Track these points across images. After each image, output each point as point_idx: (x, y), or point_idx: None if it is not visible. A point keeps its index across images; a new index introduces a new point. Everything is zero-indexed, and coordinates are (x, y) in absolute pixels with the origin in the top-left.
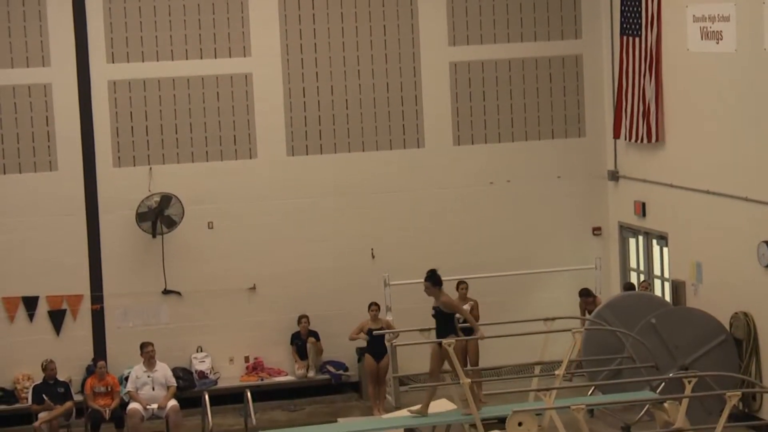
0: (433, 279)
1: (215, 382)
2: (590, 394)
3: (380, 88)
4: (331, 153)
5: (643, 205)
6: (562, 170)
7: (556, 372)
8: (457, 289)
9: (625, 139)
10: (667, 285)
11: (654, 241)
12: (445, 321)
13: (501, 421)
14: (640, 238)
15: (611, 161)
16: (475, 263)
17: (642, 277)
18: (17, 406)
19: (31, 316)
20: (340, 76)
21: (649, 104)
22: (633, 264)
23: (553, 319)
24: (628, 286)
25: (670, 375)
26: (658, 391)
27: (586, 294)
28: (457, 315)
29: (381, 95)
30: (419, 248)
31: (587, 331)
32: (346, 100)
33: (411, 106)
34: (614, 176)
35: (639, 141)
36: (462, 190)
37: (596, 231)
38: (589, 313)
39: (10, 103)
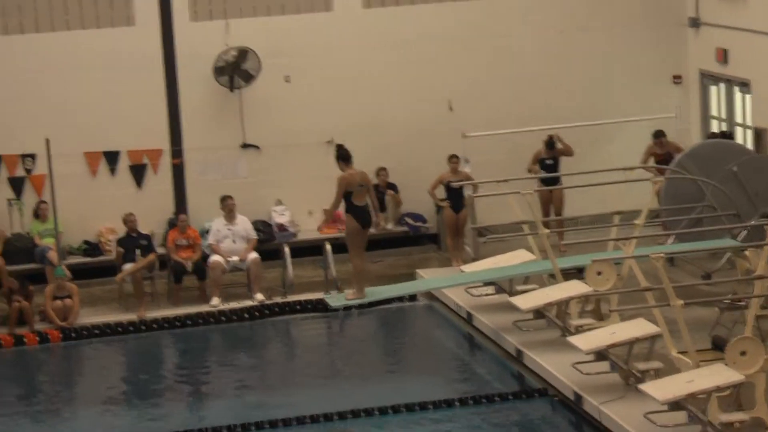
0: (337, 154)
1: (295, 234)
2: (670, 244)
3: None
4: (408, 4)
5: (725, 51)
6: (641, 17)
7: (636, 221)
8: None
9: None
10: (749, 133)
11: (736, 89)
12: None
13: (580, 270)
14: (722, 85)
15: (692, 7)
16: (552, 113)
17: (723, 126)
18: (101, 258)
19: (112, 171)
20: None
21: None
22: (714, 112)
23: (632, 168)
24: (711, 136)
25: (752, 222)
26: (739, 239)
27: (658, 135)
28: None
29: None
30: (496, 99)
31: (667, 181)
32: None
33: None
34: (695, 23)
35: None
36: (538, 38)
37: (676, 79)
38: (658, 156)
39: None
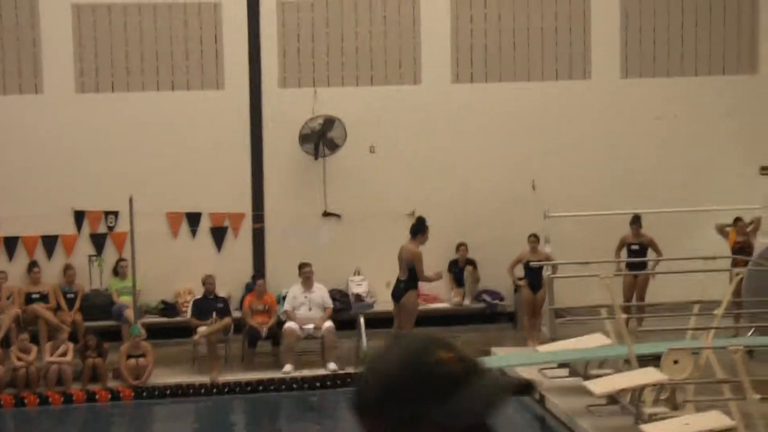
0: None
1: (371, 305)
2: (750, 336)
3: (548, 17)
4: (496, 81)
5: None
6: (730, 107)
7: (715, 311)
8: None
9: None
10: None
11: None
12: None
13: (656, 358)
14: None
15: None
16: (637, 198)
17: None
18: (178, 319)
19: (193, 232)
20: (509, 3)
21: None
22: None
23: (714, 258)
24: None
25: None
26: None
27: (737, 221)
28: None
29: (549, 24)
30: (580, 181)
31: (750, 272)
32: (514, 29)
33: (579, 36)
34: None
35: None
36: (627, 123)
37: (764, 170)
38: (737, 243)
39: (180, 20)
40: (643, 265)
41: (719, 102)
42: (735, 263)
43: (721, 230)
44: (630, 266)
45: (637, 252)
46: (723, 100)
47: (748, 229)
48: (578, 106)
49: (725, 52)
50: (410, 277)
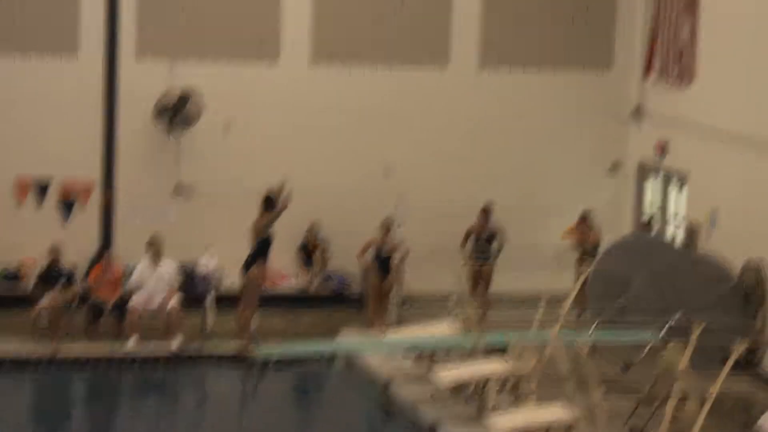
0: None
1: (219, 283)
2: (593, 331)
3: (412, 3)
4: (356, 65)
5: (665, 144)
6: (584, 103)
7: (563, 305)
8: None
9: (658, 77)
10: (681, 227)
11: (673, 182)
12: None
13: (502, 349)
14: (659, 178)
15: (636, 97)
16: (488, 189)
17: (655, 217)
18: (20, 289)
19: (41, 201)
20: None
21: (683, 46)
22: (649, 204)
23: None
24: (643, 226)
25: (676, 318)
26: (661, 334)
27: (583, 219)
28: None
29: (412, 10)
30: (434, 169)
31: (595, 268)
32: (376, 12)
33: (440, 25)
34: (637, 113)
35: (671, 82)
36: (483, 114)
37: (612, 168)
38: (581, 240)
39: None
40: (489, 257)
41: (574, 98)
42: (581, 259)
43: (569, 234)
44: (477, 258)
45: (485, 242)
46: (577, 96)
47: (592, 228)
48: (434, 95)
49: (582, 49)
50: (257, 251)
